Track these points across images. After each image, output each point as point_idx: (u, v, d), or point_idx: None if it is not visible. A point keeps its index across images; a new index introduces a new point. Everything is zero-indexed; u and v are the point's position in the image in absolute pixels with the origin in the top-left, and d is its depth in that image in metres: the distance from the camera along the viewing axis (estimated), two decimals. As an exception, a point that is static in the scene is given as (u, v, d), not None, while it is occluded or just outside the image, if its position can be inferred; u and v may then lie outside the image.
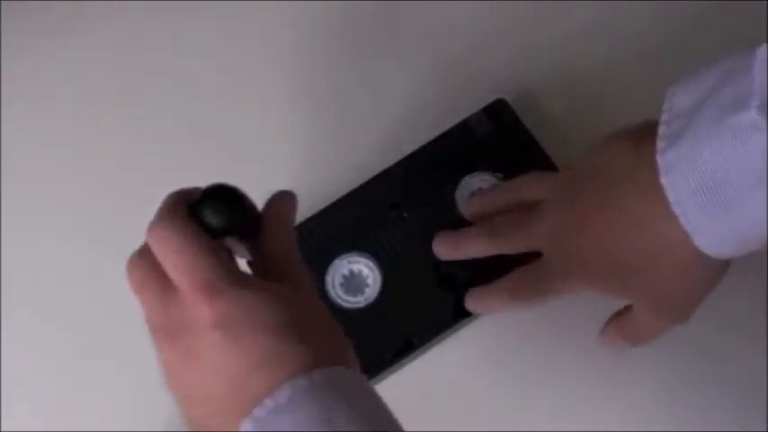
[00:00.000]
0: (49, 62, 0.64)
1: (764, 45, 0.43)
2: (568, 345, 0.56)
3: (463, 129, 0.59)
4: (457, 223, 0.57)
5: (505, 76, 0.61)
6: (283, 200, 0.46)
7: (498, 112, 0.59)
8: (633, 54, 0.61)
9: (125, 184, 0.61)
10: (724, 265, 0.50)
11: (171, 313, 0.42)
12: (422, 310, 0.56)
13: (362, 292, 0.57)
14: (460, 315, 0.56)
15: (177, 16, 0.64)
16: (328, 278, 0.57)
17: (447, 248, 0.56)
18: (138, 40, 0.65)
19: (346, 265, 0.57)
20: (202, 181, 0.60)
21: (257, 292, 0.41)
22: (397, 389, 0.55)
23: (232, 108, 0.62)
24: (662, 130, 0.47)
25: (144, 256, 0.43)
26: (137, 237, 0.59)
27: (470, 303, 0.56)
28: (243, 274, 0.43)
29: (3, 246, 0.60)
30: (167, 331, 0.42)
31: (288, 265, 0.44)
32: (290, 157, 0.61)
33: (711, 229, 0.46)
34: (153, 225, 0.43)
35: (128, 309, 0.57)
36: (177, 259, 0.42)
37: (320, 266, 0.57)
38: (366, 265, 0.57)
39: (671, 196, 0.46)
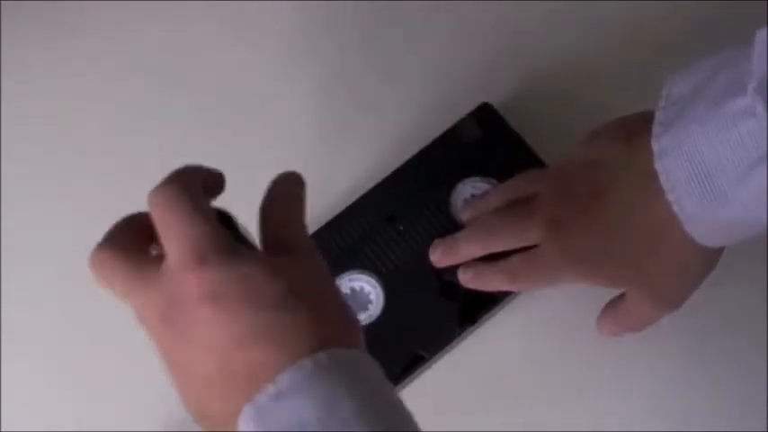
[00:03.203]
0: (49, 63, 0.64)
1: (764, 28, 0.43)
2: (569, 349, 0.57)
3: (451, 135, 0.59)
4: (453, 231, 0.57)
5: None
6: (289, 175, 0.45)
7: (484, 116, 0.59)
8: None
9: (129, 183, 0.60)
10: (717, 254, 0.51)
11: (158, 294, 0.40)
12: (428, 321, 0.56)
13: (366, 309, 0.57)
14: (467, 323, 0.57)
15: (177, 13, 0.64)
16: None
17: (443, 253, 0.56)
18: (141, 36, 0.64)
19: (347, 283, 0.57)
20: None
21: (251, 262, 0.40)
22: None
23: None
24: (658, 115, 0.47)
25: (109, 245, 0.42)
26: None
27: (467, 277, 0.55)
28: (237, 244, 0.41)
29: (3, 245, 0.60)
30: (157, 312, 0.40)
31: (290, 236, 0.42)
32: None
33: (704, 217, 0.47)
34: (161, 188, 0.41)
35: (128, 308, 0.58)
36: (177, 226, 0.40)
37: (323, 288, 0.57)
38: (367, 282, 0.57)
39: (665, 183, 0.47)
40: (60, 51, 0.64)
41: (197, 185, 0.42)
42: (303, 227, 0.44)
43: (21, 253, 0.60)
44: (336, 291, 0.43)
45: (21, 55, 0.63)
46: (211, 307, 0.39)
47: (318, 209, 0.59)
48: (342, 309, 0.42)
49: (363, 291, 0.57)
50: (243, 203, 0.58)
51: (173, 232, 0.40)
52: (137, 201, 0.58)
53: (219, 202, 0.59)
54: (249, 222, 0.56)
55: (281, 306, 0.39)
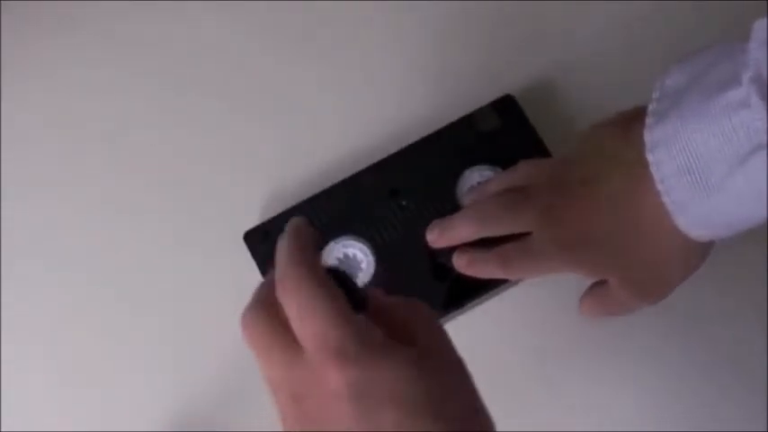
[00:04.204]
0: (49, 62, 0.64)
1: (763, 20, 0.43)
2: (558, 345, 0.56)
3: (469, 122, 0.59)
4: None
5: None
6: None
7: (505, 107, 0.59)
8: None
9: (130, 183, 0.61)
10: (706, 248, 0.50)
11: (296, 375, 0.38)
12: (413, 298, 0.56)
13: (355, 277, 0.57)
14: (452, 307, 0.56)
15: (178, 12, 0.64)
16: (322, 261, 0.57)
17: (439, 234, 0.56)
18: (142, 36, 0.64)
19: (341, 248, 0.57)
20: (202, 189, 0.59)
21: (394, 358, 0.38)
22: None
23: (236, 108, 0.62)
24: (652, 107, 0.47)
25: (262, 310, 0.39)
26: (139, 228, 0.60)
27: (461, 262, 0.55)
28: (378, 336, 0.38)
29: (3, 245, 0.60)
30: (291, 392, 0.39)
31: (418, 327, 0.40)
32: (294, 140, 0.61)
33: (693, 209, 0.46)
34: (285, 272, 0.39)
35: (128, 309, 0.58)
36: (312, 317, 0.38)
37: (315, 248, 0.57)
38: (360, 250, 0.57)
39: (656, 173, 0.46)
40: (60, 51, 0.64)
41: (317, 257, 0.40)
42: (428, 321, 0.41)
43: (21, 253, 0.60)
44: (467, 382, 0.40)
45: (21, 55, 0.64)
46: (350, 405, 0.37)
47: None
48: (476, 405, 0.40)
49: (356, 258, 0.57)
50: (243, 203, 0.59)
51: (307, 326, 0.38)
52: (137, 200, 0.60)
53: (231, 199, 0.60)
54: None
55: (422, 409, 0.37)
